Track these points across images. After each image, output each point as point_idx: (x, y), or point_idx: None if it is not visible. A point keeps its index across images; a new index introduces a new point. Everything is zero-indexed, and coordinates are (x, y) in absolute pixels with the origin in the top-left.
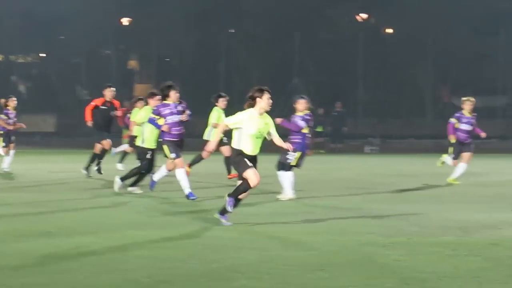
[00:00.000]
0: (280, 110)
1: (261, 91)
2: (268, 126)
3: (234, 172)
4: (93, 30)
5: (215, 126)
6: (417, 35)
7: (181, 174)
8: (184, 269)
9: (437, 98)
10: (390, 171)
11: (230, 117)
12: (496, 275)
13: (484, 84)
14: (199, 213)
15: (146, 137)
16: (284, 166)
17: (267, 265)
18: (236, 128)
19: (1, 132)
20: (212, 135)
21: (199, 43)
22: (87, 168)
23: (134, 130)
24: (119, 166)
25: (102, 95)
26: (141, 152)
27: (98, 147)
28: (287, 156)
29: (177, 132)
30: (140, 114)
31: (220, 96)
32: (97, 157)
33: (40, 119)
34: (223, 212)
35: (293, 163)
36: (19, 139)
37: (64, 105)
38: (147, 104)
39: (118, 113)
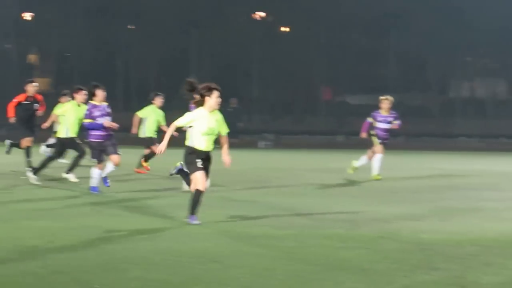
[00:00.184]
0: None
1: (210, 90)
2: (219, 123)
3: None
4: None
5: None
6: (312, 34)
7: (95, 174)
8: (80, 259)
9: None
10: (283, 165)
11: (180, 118)
12: (385, 268)
13: (375, 83)
14: (101, 205)
15: (70, 127)
16: None
17: (161, 257)
18: (188, 127)
19: None
20: (147, 131)
21: (99, 39)
22: (32, 168)
23: (56, 122)
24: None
25: (24, 91)
26: (66, 143)
27: (24, 142)
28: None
29: (105, 133)
30: (64, 108)
31: (157, 95)
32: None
33: None
34: (191, 212)
35: None
36: None
37: None
38: (73, 98)
39: (41, 108)
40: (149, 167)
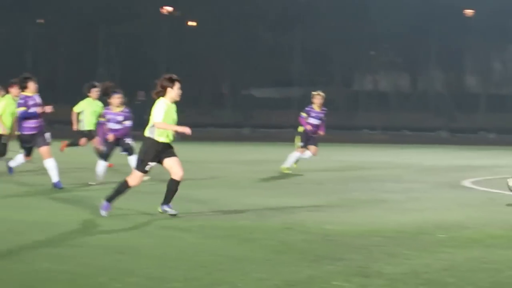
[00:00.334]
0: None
1: (172, 81)
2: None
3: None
4: None
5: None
6: (219, 29)
7: (49, 164)
8: None
9: (236, 89)
10: (189, 158)
11: (157, 116)
12: (290, 258)
13: (281, 76)
14: (13, 197)
15: (4, 123)
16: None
17: (70, 248)
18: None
19: None
20: (86, 124)
21: (8, 33)
22: None
23: None
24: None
25: None
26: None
27: None
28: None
29: (37, 124)
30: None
31: (93, 86)
32: None
33: None
34: (165, 202)
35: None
36: None
37: None
38: (7, 93)
39: None
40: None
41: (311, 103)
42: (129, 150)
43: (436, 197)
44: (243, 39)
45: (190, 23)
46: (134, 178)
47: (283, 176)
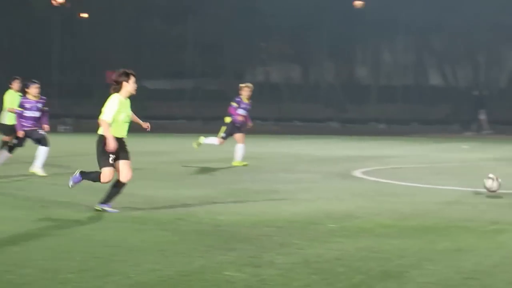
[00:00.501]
0: None
1: (127, 75)
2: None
3: None
4: None
5: (10, 110)
6: (110, 20)
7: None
8: None
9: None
10: (83, 150)
11: (107, 112)
12: (182, 248)
13: (173, 68)
14: None
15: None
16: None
17: None
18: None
19: None
20: (8, 119)
21: None
22: None
23: None
24: None
25: None
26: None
27: None
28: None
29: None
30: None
31: (16, 79)
32: None
33: None
34: (105, 201)
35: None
36: None
37: None
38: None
39: None
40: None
41: (239, 94)
42: (42, 141)
43: (327, 187)
44: (135, 31)
45: (82, 14)
46: (104, 176)
47: (176, 167)
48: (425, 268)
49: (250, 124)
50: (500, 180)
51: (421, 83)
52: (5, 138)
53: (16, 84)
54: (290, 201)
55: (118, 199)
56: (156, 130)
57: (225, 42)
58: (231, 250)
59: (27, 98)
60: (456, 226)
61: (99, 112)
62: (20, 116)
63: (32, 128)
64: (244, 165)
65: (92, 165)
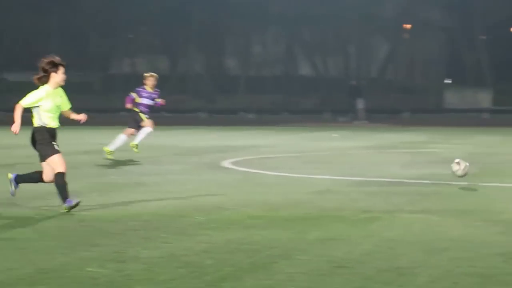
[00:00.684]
0: None
1: (56, 65)
2: (63, 99)
3: None
4: None
5: None
6: None
7: None
8: None
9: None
10: None
11: (26, 98)
12: (42, 245)
13: (37, 59)
14: None
15: None
16: None
17: None
18: (34, 107)
19: None
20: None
21: None
22: None
23: None
24: None
25: None
26: None
27: None
28: None
29: None
30: None
31: None
32: None
33: None
34: (64, 198)
35: None
36: None
37: None
38: None
39: None
40: None
41: (143, 84)
42: None
43: (196, 179)
44: None
45: None
46: (56, 165)
47: (34, 161)
48: (295, 259)
49: (162, 101)
50: (467, 163)
51: (291, 74)
52: None
53: None
54: (157, 193)
55: None
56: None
57: (91, 33)
58: (95, 245)
59: None
60: (328, 215)
61: None
62: None
63: None
64: (136, 151)
65: None
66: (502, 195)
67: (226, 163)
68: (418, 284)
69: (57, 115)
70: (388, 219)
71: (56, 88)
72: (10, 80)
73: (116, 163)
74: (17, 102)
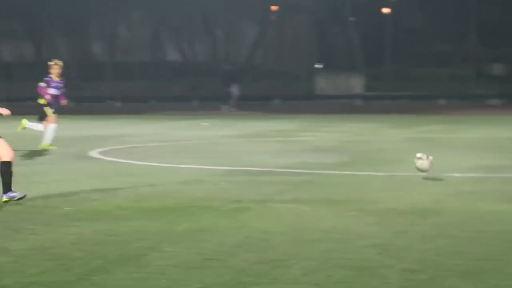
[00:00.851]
0: None
1: None
2: None
3: None
4: None
5: None
6: None
7: None
8: None
9: None
10: None
11: None
12: None
13: None
14: None
15: None
16: None
17: None
18: None
19: None
20: None
21: None
22: None
23: None
24: None
25: None
26: None
27: None
28: None
29: None
30: None
31: None
32: None
33: None
34: (5, 191)
35: None
36: None
37: None
38: None
39: None
40: None
41: (49, 73)
42: None
43: (63, 169)
44: None
45: None
46: (5, 153)
47: None
48: (165, 250)
49: (64, 101)
50: (431, 157)
51: (158, 59)
52: None
53: None
54: (24, 184)
55: None
56: None
57: None
58: None
59: None
60: (197, 205)
61: None
62: None
63: None
64: (53, 148)
65: None
66: (375, 184)
67: (94, 153)
68: (291, 278)
69: None
70: (258, 209)
71: None
72: None
73: None
74: None
